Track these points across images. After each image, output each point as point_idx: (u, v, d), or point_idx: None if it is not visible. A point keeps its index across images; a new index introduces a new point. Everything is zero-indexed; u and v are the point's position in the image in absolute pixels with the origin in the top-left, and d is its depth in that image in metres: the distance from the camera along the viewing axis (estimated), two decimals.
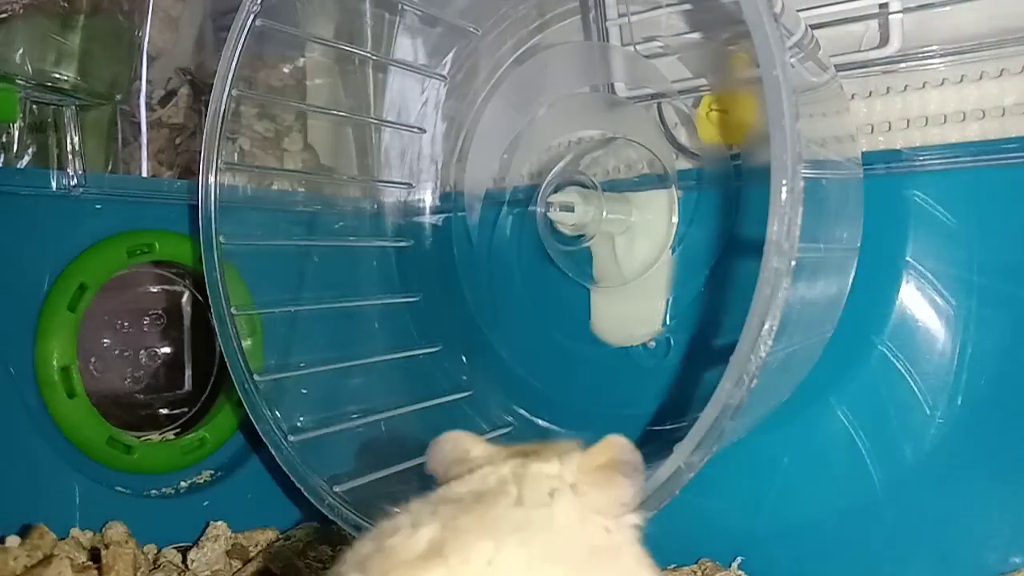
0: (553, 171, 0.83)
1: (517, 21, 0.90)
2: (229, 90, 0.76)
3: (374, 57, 0.94)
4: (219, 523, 0.83)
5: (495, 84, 0.90)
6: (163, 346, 0.97)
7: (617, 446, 0.44)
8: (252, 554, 0.83)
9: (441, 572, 0.35)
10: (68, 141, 0.86)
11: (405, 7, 0.91)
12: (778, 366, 0.54)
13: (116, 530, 0.79)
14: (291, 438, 0.75)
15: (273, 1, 0.75)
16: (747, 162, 0.75)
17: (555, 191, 0.81)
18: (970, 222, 0.68)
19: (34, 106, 0.89)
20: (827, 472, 0.71)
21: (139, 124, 1.00)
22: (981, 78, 0.68)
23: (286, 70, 1.03)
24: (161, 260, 0.90)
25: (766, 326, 0.48)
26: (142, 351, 0.95)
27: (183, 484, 0.88)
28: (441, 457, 0.46)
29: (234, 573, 0.79)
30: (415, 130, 0.97)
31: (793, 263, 0.48)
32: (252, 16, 0.74)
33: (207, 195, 0.76)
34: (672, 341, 0.81)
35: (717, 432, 0.51)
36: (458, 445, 0.46)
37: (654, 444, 0.77)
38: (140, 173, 1.00)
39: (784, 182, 0.48)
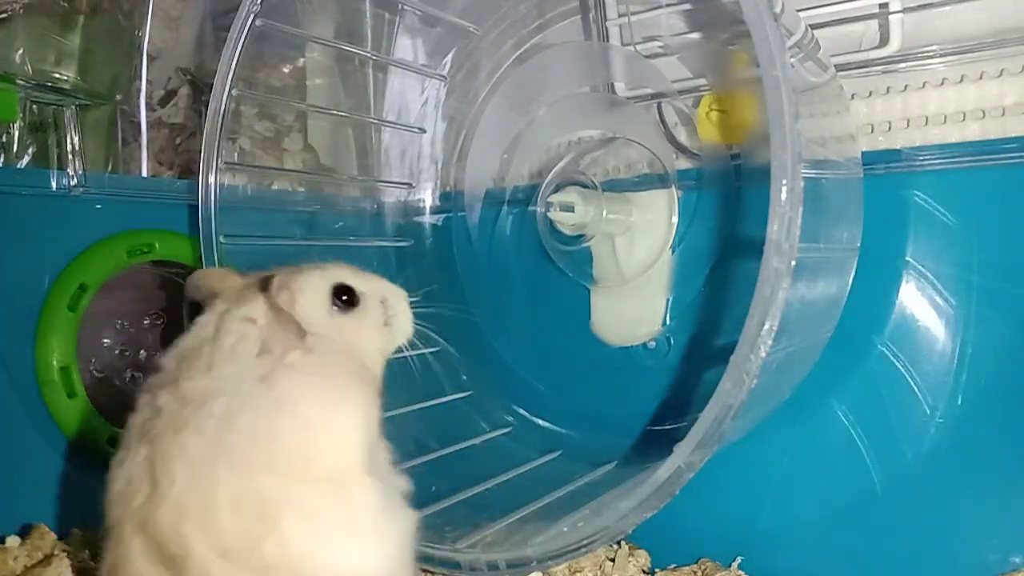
0: (553, 171, 0.83)
1: (517, 21, 0.90)
2: (229, 90, 0.76)
3: (374, 57, 0.94)
4: None
5: (495, 84, 0.90)
6: (163, 346, 0.97)
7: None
8: None
9: None
10: (68, 141, 0.86)
11: (405, 7, 0.91)
12: (778, 366, 0.54)
13: None
14: None
15: (273, 1, 0.75)
16: (747, 162, 0.75)
17: (555, 191, 0.81)
18: (970, 222, 0.68)
19: (34, 106, 0.89)
20: (827, 472, 0.71)
21: (139, 124, 1.00)
22: (981, 78, 0.68)
23: (286, 70, 1.03)
24: (161, 260, 0.89)
25: (766, 326, 0.48)
26: (142, 351, 0.95)
27: None
28: (196, 289, 0.56)
29: None
30: (415, 130, 0.97)
31: (793, 263, 0.48)
32: (252, 16, 0.74)
33: (207, 195, 0.76)
34: (672, 341, 0.81)
35: (717, 432, 0.51)
36: (208, 280, 0.56)
37: (654, 444, 0.77)
38: (140, 173, 1.00)
39: (784, 182, 0.48)
